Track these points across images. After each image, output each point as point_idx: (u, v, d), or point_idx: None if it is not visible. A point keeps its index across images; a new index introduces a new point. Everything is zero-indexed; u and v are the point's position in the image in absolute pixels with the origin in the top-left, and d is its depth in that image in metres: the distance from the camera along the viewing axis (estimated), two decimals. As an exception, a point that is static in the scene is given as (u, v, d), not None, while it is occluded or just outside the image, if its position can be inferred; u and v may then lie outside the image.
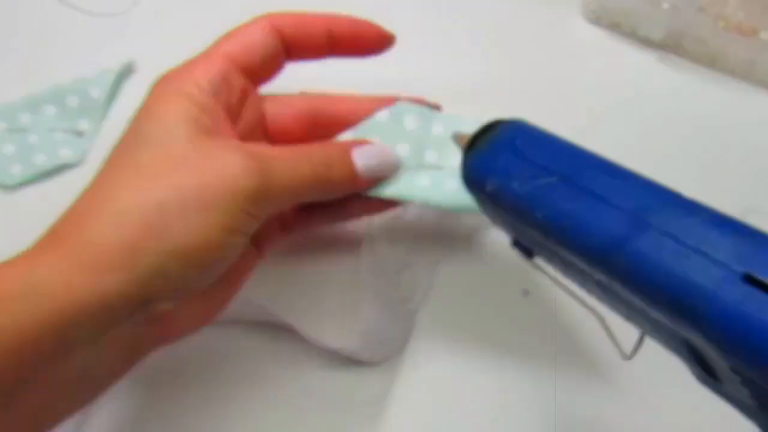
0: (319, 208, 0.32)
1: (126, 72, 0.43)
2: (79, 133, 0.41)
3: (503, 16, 0.46)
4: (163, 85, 0.27)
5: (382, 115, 0.32)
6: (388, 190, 0.31)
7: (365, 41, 0.31)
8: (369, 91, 0.34)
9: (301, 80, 0.32)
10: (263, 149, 0.27)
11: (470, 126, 0.30)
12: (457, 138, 0.29)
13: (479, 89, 0.43)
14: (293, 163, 0.27)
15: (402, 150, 0.32)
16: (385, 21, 0.47)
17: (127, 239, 0.23)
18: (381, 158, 0.30)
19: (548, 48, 0.45)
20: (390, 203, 0.32)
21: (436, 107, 0.33)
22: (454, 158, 0.32)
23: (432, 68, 0.44)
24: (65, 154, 0.41)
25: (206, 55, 0.28)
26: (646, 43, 0.45)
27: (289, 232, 0.33)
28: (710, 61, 0.44)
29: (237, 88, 0.28)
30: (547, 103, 0.43)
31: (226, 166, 0.25)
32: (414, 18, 0.46)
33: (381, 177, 0.30)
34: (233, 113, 0.28)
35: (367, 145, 0.30)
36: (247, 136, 0.30)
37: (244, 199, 0.25)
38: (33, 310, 0.22)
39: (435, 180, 0.32)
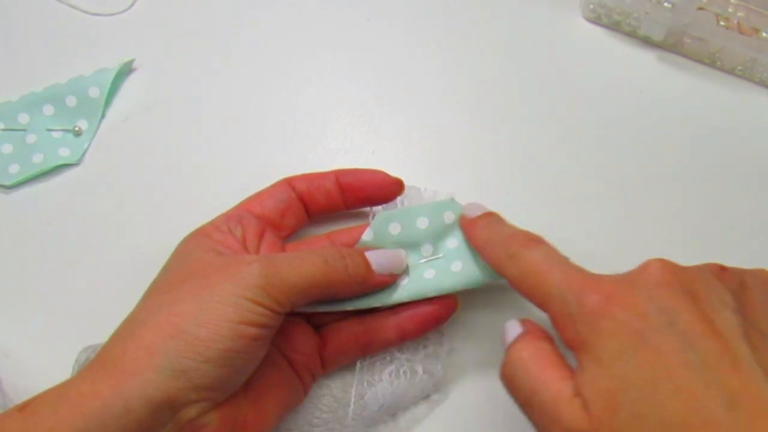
0: (353, 341, 0.34)
1: (124, 71, 0.43)
2: (77, 133, 0.41)
3: (502, 15, 0.46)
4: (192, 233, 0.33)
5: (367, 235, 0.34)
6: (405, 294, 0.33)
7: (373, 188, 0.34)
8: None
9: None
10: (271, 253, 0.32)
11: (452, 206, 0.33)
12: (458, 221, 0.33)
13: (478, 88, 0.43)
14: (302, 255, 0.30)
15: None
16: (383, 18, 0.47)
17: (144, 342, 0.26)
18: (390, 255, 0.33)
19: (548, 47, 0.45)
20: (426, 325, 0.34)
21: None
22: (450, 241, 0.34)
23: (431, 66, 0.44)
24: (63, 153, 0.40)
25: (232, 208, 0.34)
26: (647, 42, 0.44)
27: (329, 368, 0.34)
28: (711, 60, 0.44)
29: (252, 225, 0.33)
30: (546, 103, 0.43)
31: (232, 266, 0.29)
32: (413, 15, 0.46)
33: (392, 272, 0.33)
34: (251, 243, 0.33)
35: (375, 249, 0.33)
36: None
37: (248, 287, 0.27)
38: (64, 414, 0.25)
39: (439, 268, 0.33)
